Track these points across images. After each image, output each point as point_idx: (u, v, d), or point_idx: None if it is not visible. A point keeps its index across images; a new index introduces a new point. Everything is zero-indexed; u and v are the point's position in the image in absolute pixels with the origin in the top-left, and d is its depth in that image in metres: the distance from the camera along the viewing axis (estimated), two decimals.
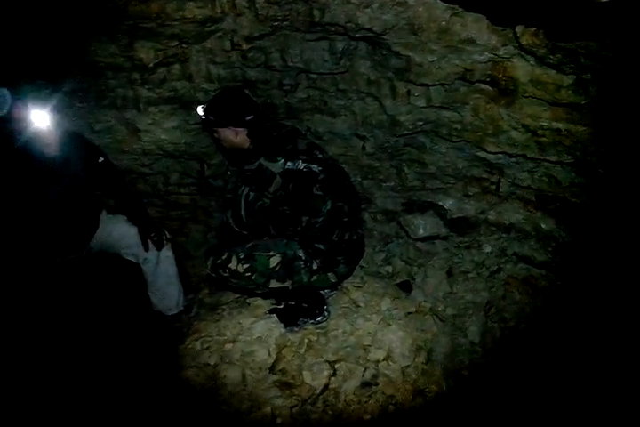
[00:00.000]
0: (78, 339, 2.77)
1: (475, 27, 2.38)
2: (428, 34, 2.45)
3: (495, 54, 2.39)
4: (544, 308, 2.37)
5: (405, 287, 2.72)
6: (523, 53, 2.34)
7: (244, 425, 2.10)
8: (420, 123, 2.73)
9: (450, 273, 2.65)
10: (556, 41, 2.24)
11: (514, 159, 2.59)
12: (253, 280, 2.38)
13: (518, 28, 2.29)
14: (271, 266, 2.36)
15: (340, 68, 2.79)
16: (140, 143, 3.13)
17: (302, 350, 2.38)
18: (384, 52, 2.63)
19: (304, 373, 2.26)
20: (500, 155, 2.61)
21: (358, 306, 2.58)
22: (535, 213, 2.60)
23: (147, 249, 2.71)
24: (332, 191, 2.38)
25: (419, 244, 2.81)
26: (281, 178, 2.28)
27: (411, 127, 2.75)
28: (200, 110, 2.43)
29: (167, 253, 2.80)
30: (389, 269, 2.84)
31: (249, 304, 2.74)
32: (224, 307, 2.80)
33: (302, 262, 2.39)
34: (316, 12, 2.58)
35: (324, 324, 2.51)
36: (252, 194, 2.30)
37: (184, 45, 2.83)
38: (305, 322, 2.51)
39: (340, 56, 2.75)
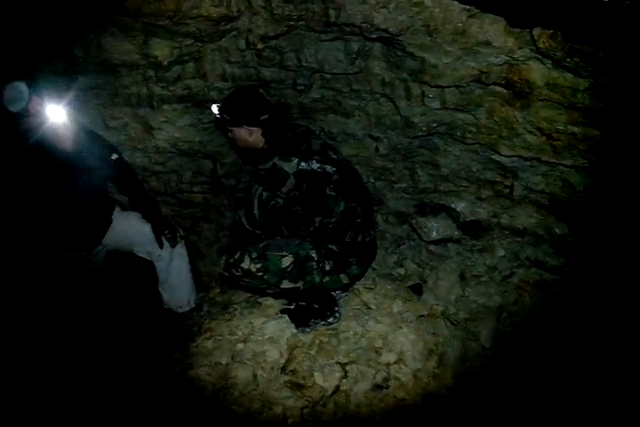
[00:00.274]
0: (87, 336, 2.79)
1: (491, 29, 2.37)
2: (443, 35, 2.45)
3: (511, 57, 2.38)
4: (556, 313, 2.36)
5: (417, 290, 2.71)
6: (539, 56, 2.32)
7: (256, 425, 2.11)
8: (434, 125, 2.72)
9: (462, 276, 2.64)
10: (574, 44, 2.23)
11: (528, 163, 2.57)
12: (265, 280, 2.38)
13: (535, 31, 2.28)
14: (283, 266, 2.36)
15: (355, 68, 2.79)
16: (153, 141, 3.14)
17: (313, 351, 2.38)
18: (399, 53, 2.62)
19: (315, 374, 2.26)
20: (515, 158, 2.59)
21: (370, 308, 2.59)
22: (549, 218, 2.59)
23: (161, 246, 2.73)
24: (345, 192, 2.37)
25: (431, 246, 2.80)
26: (294, 178, 2.27)
27: (425, 129, 2.74)
28: (215, 109, 2.43)
29: (180, 250, 2.81)
30: (401, 271, 2.83)
31: (260, 304, 2.75)
32: (235, 306, 2.81)
33: (314, 263, 2.39)
34: (331, 12, 2.58)
35: (335, 325, 2.51)
36: (265, 194, 2.30)
37: (199, 44, 2.83)
38: (316, 323, 2.52)
39: (354, 56, 2.75)
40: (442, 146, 2.78)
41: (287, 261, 2.36)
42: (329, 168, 2.34)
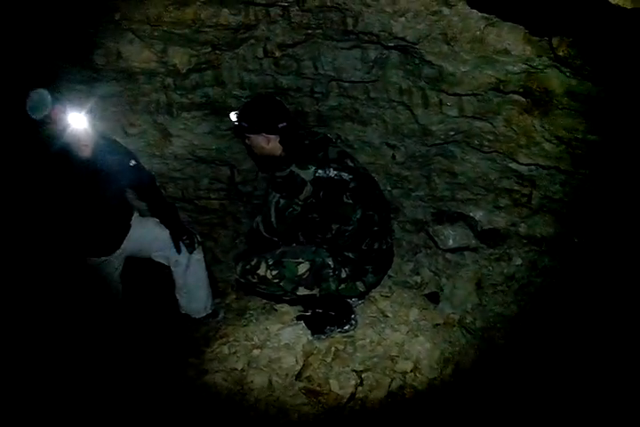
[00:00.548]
0: (104, 340, 2.81)
1: (509, 37, 2.36)
2: (461, 44, 2.44)
3: (530, 65, 2.37)
4: (574, 323, 2.34)
5: (433, 298, 2.70)
6: (558, 64, 2.31)
7: None
8: (452, 133, 2.71)
9: (479, 285, 2.62)
10: (593, 52, 2.22)
11: (546, 171, 2.55)
12: (282, 287, 2.38)
13: (554, 39, 2.27)
14: (299, 273, 2.37)
15: (372, 76, 2.80)
16: (171, 148, 3.18)
17: (329, 359, 2.38)
18: (416, 62, 2.62)
19: (331, 381, 2.26)
20: (533, 166, 2.58)
21: (386, 316, 2.58)
22: (567, 227, 2.57)
23: (179, 252, 2.75)
24: (362, 200, 2.37)
25: (448, 255, 2.78)
26: (312, 186, 2.28)
27: (442, 137, 2.74)
28: (233, 116, 2.45)
29: (198, 256, 2.83)
30: (418, 279, 2.82)
31: (276, 310, 2.76)
32: (251, 312, 2.83)
33: (331, 270, 2.39)
34: (349, 21, 2.59)
35: (351, 333, 2.51)
36: (282, 201, 2.31)
37: (217, 52, 2.87)
38: (332, 330, 2.52)
39: (372, 65, 2.76)
40: (459, 154, 2.77)
41: (303, 268, 2.37)
42: (346, 176, 2.34)
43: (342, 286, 2.41)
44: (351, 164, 2.42)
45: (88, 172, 2.55)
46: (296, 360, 2.39)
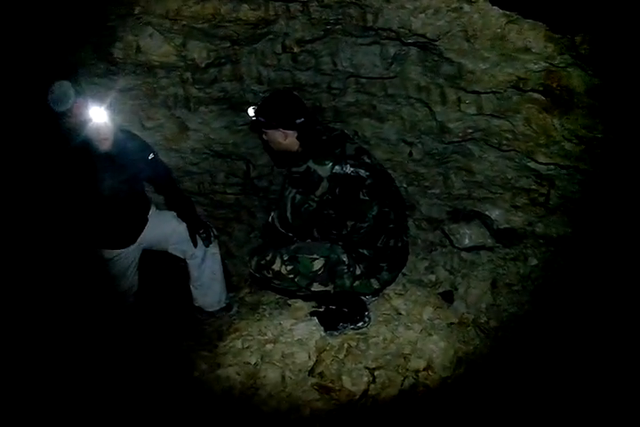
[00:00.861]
0: (117, 332, 2.83)
1: (531, 34, 2.34)
2: (481, 41, 2.42)
3: (550, 63, 2.34)
4: (589, 325, 2.32)
5: (448, 297, 2.69)
6: (580, 62, 2.28)
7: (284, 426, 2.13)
8: (470, 130, 2.69)
9: (494, 285, 2.60)
10: (616, 50, 2.19)
11: (565, 171, 2.53)
12: (296, 282, 2.39)
13: (577, 37, 2.25)
14: (314, 269, 2.37)
15: (390, 73, 2.79)
16: (188, 142, 3.19)
17: (342, 355, 2.38)
18: (436, 59, 2.61)
19: (343, 378, 2.26)
20: (552, 166, 2.55)
21: (400, 314, 2.57)
22: (585, 227, 2.54)
23: (195, 245, 2.77)
24: (378, 197, 2.36)
25: (463, 253, 2.77)
26: (328, 182, 2.27)
27: (460, 135, 2.72)
28: (251, 111, 2.44)
29: (214, 249, 2.86)
30: (432, 277, 2.81)
31: (290, 306, 2.77)
32: (265, 307, 2.84)
33: (345, 267, 2.39)
34: (369, 17, 2.58)
35: (364, 330, 2.50)
36: (298, 196, 2.30)
37: (236, 47, 2.87)
38: (345, 327, 2.51)
39: (390, 61, 2.74)
40: (477, 152, 2.75)
41: (318, 265, 2.37)
42: (363, 172, 2.33)
43: (357, 282, 2.41)
44: (368, 160, 2.41)
45: (107, 165, 2.57)
46: (309, 356, 2.40)
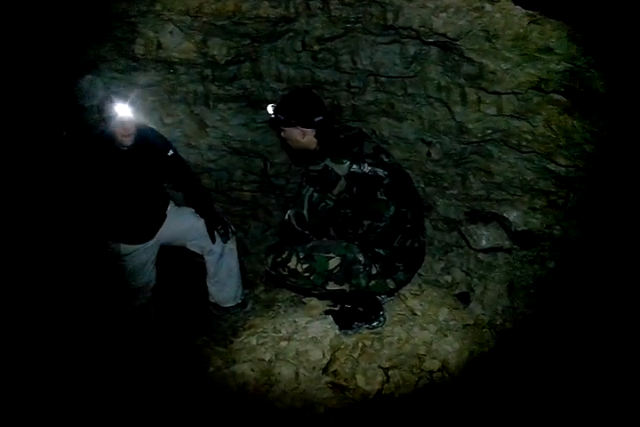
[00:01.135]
0: (133, 326, 2.86)
1: (554, 35, 2.31)
2: (503, 41, 2.40)
3: (573, 64, 2.31)
4: (607, 329, 2.29)
5: (464, 299, 2.67)
6: (603, 64, 2.25)
7: (298, 424, 2.14)
8: (490, 131, 2.66)
9: (511, 287, 2.58)
10: None
11: (585, 174, 2.49)
12: (311, 281, 2.39)
13: (601, 38, 2.22)
14: (330, 268, 2.37)
15: (410, 72, 2.77)
16: (207, 139, 3.22)
17: (356, 354, 2.38)
18: (456, 58, 2.59)
19: (357, 377, 2.26)
20: (571, 168, 2.51)
21: (415, 314, 2.57)
22: (604, 231, 2.51)
23: (214, 241, 2.79)
24: (396, 197, 2.35)
25: (480, 255, 2.74)
26: (345, 180, 2.26)
27: (479, 135, 2.69)
28: (270, 109, 2.44)
29: (231, 245, 2.88)
30: (448, 278, 2.79)
31: (304, 303, 2.77)
32: (279, 304, 2.85)
33: (361, 266, 2.38)
34: (389, 15, 2.57)
35: (378, 329, 2.50)
36: (315, 195, 2.30)
37: (256, 44, 2.88)
38: (360, 326, 2.52)
39: (410, 60, 2.73)
40: (496, 153, 2.72)
41: (334, 263, 2.37)
42: (380, 172, 2.33)
43: (372, 282, 2.40)
44: (386, 159, 2.40)
45: (128, 160, 2.60)
46: (323, 354, 2.40)
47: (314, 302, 2.75)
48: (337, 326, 2.55)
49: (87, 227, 2.74)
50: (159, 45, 2.84)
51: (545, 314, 2.46)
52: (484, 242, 2.71)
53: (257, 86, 3.04)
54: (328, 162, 2.28)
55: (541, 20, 2.32)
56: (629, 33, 2.17)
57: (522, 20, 2.34)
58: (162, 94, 3.08)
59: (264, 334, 2.56)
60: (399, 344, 2.41)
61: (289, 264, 2.39)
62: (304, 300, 2.80)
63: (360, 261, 2.38)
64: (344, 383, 2.26)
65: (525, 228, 2.69)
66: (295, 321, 2.62)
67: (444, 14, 2.44)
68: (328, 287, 2.41)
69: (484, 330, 2.47)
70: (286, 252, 2.41)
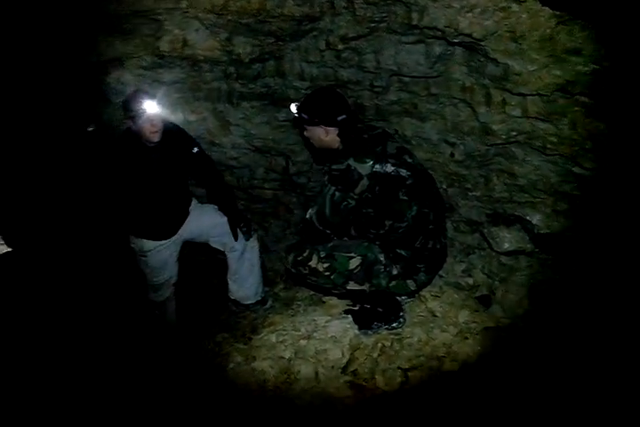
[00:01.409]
0: (153, 322, 2.89)
1: (581, 36, 2.28)
2: (529, 42, 2.37)
3: (601, 66, 2.28)
4: (630, 334, 2.26)
5: (485, 301, 2.66)
6: (632, 66, 2.22)
7: (317, 422, 2.15)
8: (514, 133, 2.63)
9: (532, 290, 2.56)
10: None
11: (611, 177, 2.45)
12: (332, 280, 2.39)
13: (630, 39, 2.18)
14: (351, 267, 2.37)
15: (434, 72, 2.76)
16: (230, 136, 3.23)
17: (375, 355, 2.38)
18: (481, 59, 2.57)
19: (376, 377, 2.27)
20: (597, 172, 2.46)
21: (435, 316, 2.56)
22: (627, 236, 2.47)
23: (236, 238, 2.81)
24: (418, 197, 2.34)
25: (502, 257, 2.72)
26: (368, 180, 2.26)
27: (504, 137, 2.66)
28: (293, 108, 2.44)
29: (253, 243, 2.90)
30: (470, 280, 2.78)
31: (324, 302, 2.78)
32: (299, 303, 2.87)
33: (382, 267, 2.38)
34: (414, 15, 2.56)
35: (398, 330, 2.50)
36: (337, 194, 2.30)
37: (280, 42, 2.89)
38: (379, 326, 2.52)
39: (435, 60, 2.71)
40: (520, 155, 2.68)
41: (355, 263, 2.37)
42: (403, 172, 2.31)
43: (393, 283, 2.40)
44: (409, 160, 2.39)
45: (155, 157, 2.62)
46: (342, 353, 2.41)
47: (333, 301, 2.76)
48: (356, 326, 2.55)
49: (111, 222, 2.78)
50: (185, 43, 2.87)
51: (566, 319, 2.44)
52: (506, 244, 2.68)
53: (280, 85, 3.05)
54: (351, 161, 2.28)
55: (569, 21, 2.29)
56: None
57: (549, 20, 2.31)
58: (186, 91, 3.10)
59: (283, 332, 2.58)
60: (419, 346, 2.41)
61: (310, 263, 2.40)
62: (323, 299, 2.81)
63: (381, 261, 2.38)
64: (363, 383, 2.27)
65: (548, 231, 2.66)
66: (314, 320, 2.63)
67: (470, 14, 2.42)
68: (348, 287, 2.41)
69: (505, 333, 2.45)
70: (307, 250, 2.42)
